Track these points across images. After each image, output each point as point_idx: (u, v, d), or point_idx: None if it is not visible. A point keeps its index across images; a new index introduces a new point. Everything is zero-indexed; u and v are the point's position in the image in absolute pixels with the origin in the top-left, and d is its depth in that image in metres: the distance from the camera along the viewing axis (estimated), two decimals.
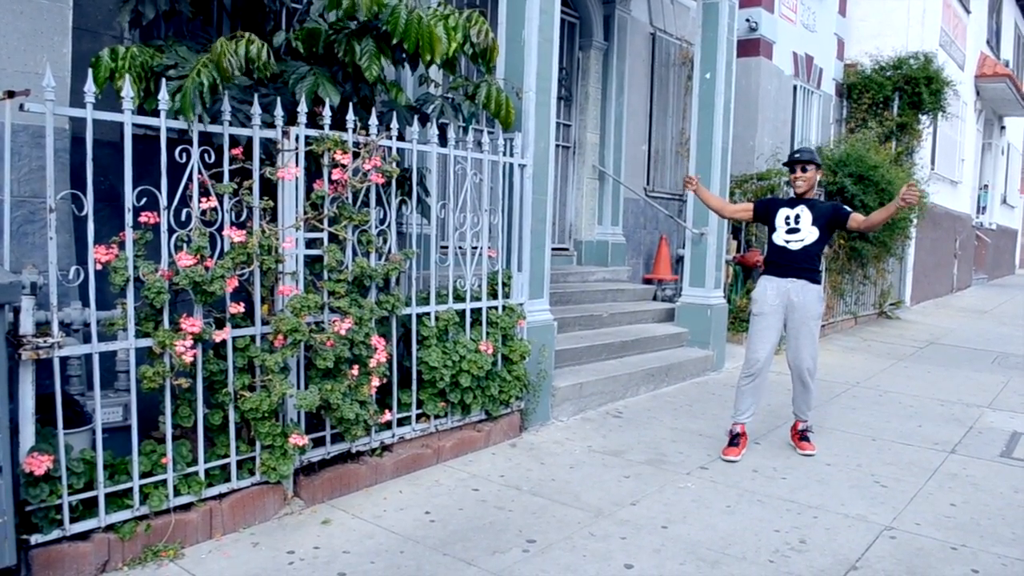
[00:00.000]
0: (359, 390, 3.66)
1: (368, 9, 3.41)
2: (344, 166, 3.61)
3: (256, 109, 3.31)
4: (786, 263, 4.65)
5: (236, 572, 2.98)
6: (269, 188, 3.45)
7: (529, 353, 4.74)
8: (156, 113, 3.06)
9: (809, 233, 4.61)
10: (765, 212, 4.81)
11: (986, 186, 19.08)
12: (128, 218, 2.99)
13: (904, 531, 3.58)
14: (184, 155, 3.15)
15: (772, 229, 4.77)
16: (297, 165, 3.46)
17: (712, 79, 6.97)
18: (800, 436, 4.81)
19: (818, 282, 4.68)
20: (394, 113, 3.98)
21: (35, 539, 2.76)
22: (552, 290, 5.75)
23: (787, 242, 4.65)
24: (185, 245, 3.13)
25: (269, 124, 3.40)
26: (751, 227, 9.02)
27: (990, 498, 4.05)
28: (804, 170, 4.65)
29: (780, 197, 4.96)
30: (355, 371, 3.63)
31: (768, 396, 5.92)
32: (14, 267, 3.05)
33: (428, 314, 4.26)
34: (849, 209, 4.71)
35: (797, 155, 4.74)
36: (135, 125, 3.01)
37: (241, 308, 3.30)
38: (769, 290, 4.68)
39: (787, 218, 4.68)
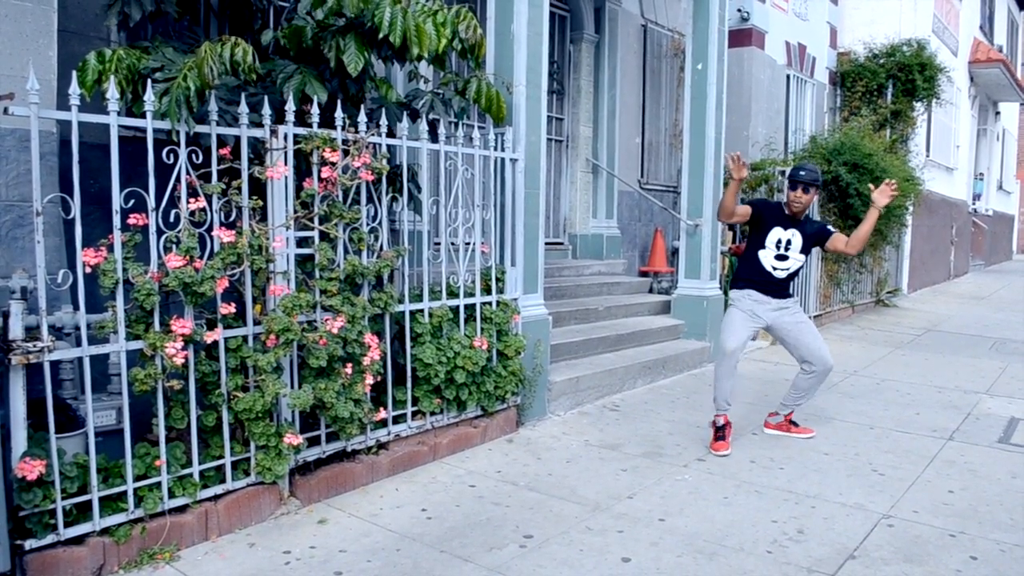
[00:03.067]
0: (353, 388, 3.65)
1: (354, 5, 3.39)
2: (334, 164, 3.59)
3: (243, 109, 3.29)
4: (769, 286, 4.60)
5: (232, 573, 2.97)
6: (258, 187, 3.43)
7: (524, 348, 4.73)
8: (144, 115, 3.05)
9: (796, 261, 4.58)
10: (759, 219, 4.61)
11: (981, 175, 19.08)
12: (116, 220, 2.97)
13: (902, 519, 3.58)
14: (172, 156, 3.13)
15: (760, 245, 4.59)
16: (286, 164, 3.44)
17: (704, 70, 6.95)
18: (792, 424, 4.86)
19: (792, 294, 4.79)
20: (384, 110, 3.96)
21: (29, 544, 2.75)
22: (547, 284, 5.73)
23: (774, 268, 4.58)
24: (174, 246, 3.11)
25: (257, 123, 3.39)
26: None
27: (988, 484, 4.04)
28: (806, 191, 4.48)
29: (777, 205, 4.74)
30: (349, 369, 3.62)
31: (767, 387, 5.93)
32: (3, 272, 3.04)
33: (422, 311, 4.25)
34: (833, 230, 4.64)
35: (803, 175, 4.49)
36: (122, 127, 3.00)
37: (232, 308, 3.29)
38: (748, 300, 4.60)
39: (779, 242, 4.56)
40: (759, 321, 4.62)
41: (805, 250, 4.59)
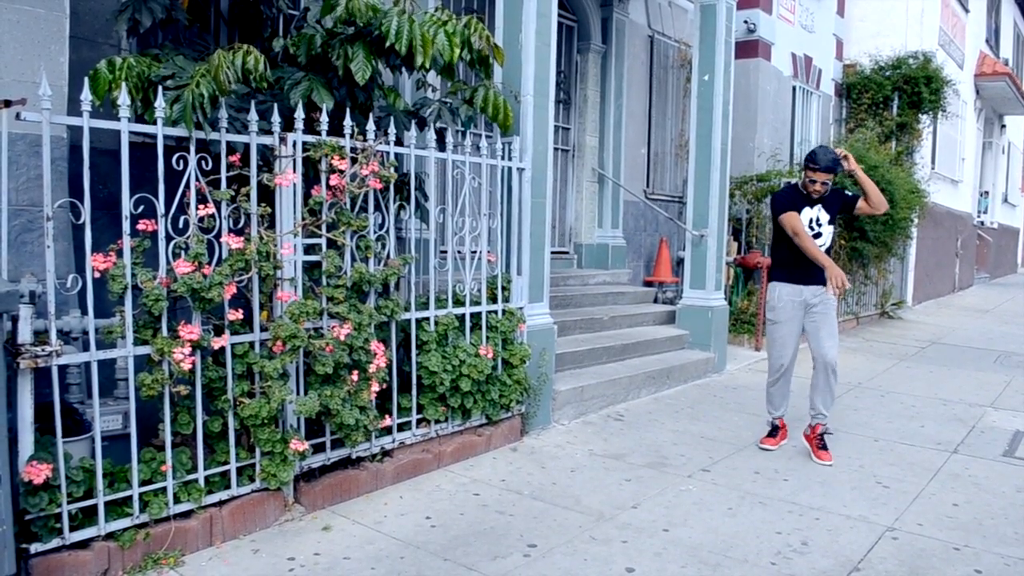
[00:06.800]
0: (359, 395, 3.66)
1: (363, 14, 3.41)
2: (342, 172, 3.61)
3: (253, 116, 3.31)
4: (807, 269, 4.61)
5: None
6: (267, 194, 3.45)
7: (529, 357, 4.74)
8: (155, 121, 3.07)
9: (828, 235, 4.68)
10: (793, 209, 4.65)
11: (986, 192, 19.08)
12: (125, 226, 2.99)
13: (906, 532, 3.57)
14: (181, 162, 3.15)
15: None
16: (295, 171, 3.46)
17: (711, 81, 6.97)
18: (819, 443, 4.62)
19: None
20: (392, 118, 3.98)
21: (35, 548, 2.76)
22: (552, 293, 5.74)
23: None
24: (183, 252, 3.13)
25: (266, 131, 3.41)
26: (751, 228, 9.01)
27: (992, 498, 4.03)
28: (827, 174, 4.52)
29: (792, 190, 4.77)
30: (355, 376, 3.63)
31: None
32: (13, 276, 3.05)
33: (428, 319, 4.26)
34: (853, 194, 4.78)
35: (829, 164, 4.49)
36: (132, 133, 3.02)
37: (240, 315, 3.30)
38: (785, 296, 4.70)
39: (811, 220, 4.64)
40: (797, 317, 4.70)
41: (832, 220, 4.71)
